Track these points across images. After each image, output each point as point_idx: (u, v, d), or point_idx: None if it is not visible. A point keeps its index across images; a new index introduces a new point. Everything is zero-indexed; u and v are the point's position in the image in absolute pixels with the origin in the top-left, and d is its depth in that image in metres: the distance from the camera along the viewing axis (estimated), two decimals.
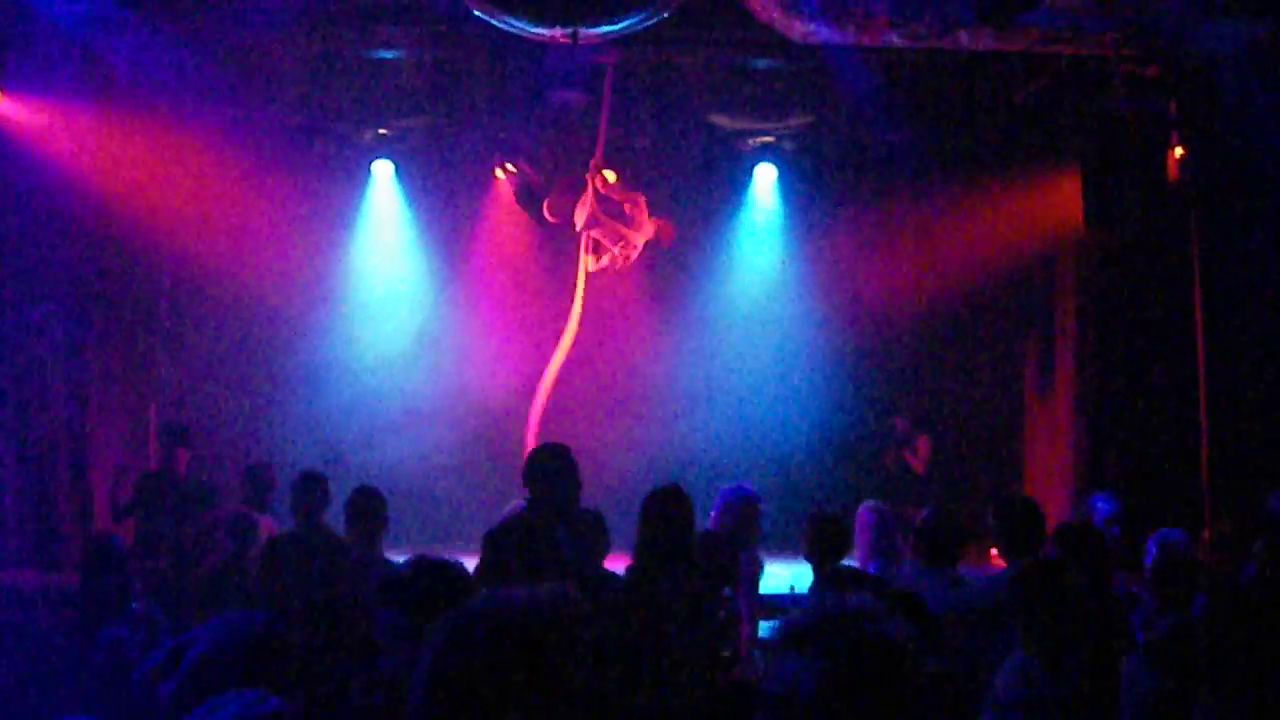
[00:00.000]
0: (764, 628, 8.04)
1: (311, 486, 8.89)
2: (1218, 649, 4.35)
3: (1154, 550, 7.43)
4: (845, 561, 8.43)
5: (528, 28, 9.08)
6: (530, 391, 14.87)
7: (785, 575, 9.24)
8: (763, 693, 2.64)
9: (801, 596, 7.87)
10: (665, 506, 6.63)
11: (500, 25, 9.28)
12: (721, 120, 15.54)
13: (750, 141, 16.43)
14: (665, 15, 9.23)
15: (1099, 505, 10.06)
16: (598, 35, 9.00)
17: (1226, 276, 13.08)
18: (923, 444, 15.84)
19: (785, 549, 9.55)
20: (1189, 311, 13.33)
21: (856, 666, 2.55)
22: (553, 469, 6.99)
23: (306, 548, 8.39)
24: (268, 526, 9.41)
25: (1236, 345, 13.03)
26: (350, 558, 8.14)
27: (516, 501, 7.99)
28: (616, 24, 8.93)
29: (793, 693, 2.57)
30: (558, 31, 8.80)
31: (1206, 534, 11.33)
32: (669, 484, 6.82)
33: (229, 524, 8.99)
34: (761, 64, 14.34)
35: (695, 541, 6.81)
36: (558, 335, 14.83)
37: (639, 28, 9.29)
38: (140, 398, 15.01)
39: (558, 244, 16.22)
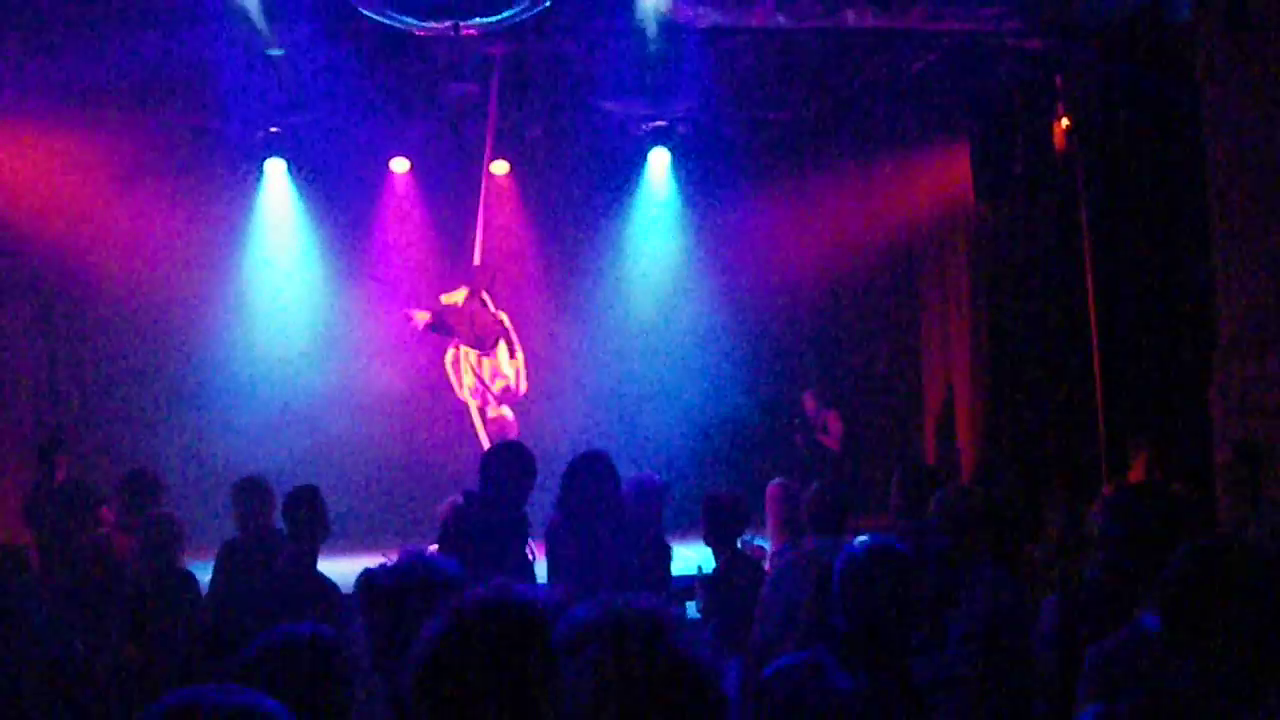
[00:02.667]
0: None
1: (250, 491, 8.76)
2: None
3: None
4: (756, 539, 8.53)
5: (411, 23, 9.07)
6: (429, 385, 14.88)
7: (693, 557, 9.32)
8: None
9: (707, 577, 7.92)
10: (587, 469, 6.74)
11: (385, 21, 9.27)
12: (613, 107, 15.56)
13: (642, 127, 16.46)
14: (546, 5, 9.24)
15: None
16: (478, 28, 9.00)
17: (1115, 243, 13.26)
18: (833, 421, 15.97)
19: (693, 532, 9.61)
20: (1079, 278, 13.50)
21: (642, 670, 2.52)
22: (512, 468, 7.03)
23: (256, 554, 8.28)
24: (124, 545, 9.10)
25: (1127, 310, 13.22)
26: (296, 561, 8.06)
27: (451, 498, 8.02)
28: (496, 16, 8.93)
29: (572, 696, 2.54)
30: (440, 25, 8.80)
31: (1107, 489, 11.54)
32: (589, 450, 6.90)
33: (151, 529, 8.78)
34: (651, 48, 14.35)
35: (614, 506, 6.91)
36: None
37: (520, 19, 9.30)
38: (34, 399, 14.84)
39: (454, 236, 16.21)
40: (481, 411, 13.87)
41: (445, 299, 13.96)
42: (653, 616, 2.59)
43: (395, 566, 4.20)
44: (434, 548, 7.68)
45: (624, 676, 2.49)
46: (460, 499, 7.44)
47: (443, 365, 14.40)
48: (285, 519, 7.89)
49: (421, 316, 13.81)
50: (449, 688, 2.58)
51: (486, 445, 12.68)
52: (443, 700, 2.58)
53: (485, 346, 13.85)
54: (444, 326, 13.77)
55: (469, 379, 13.94)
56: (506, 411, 13.60)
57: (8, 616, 6.48)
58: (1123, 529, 4.75)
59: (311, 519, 7.78)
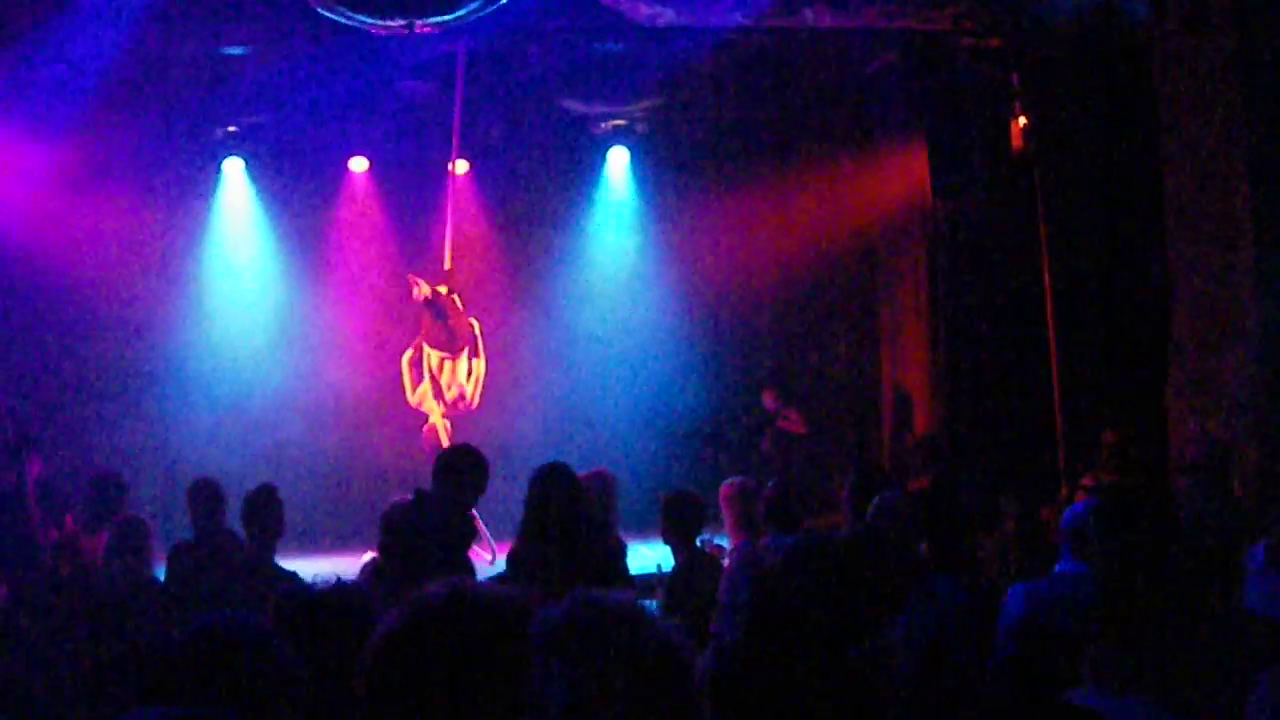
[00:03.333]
0: None
1: (202, 493, 8.72)
2: None
3: None
4: (716, 538, 8.57)
5: (367, 21, 9.06)
6: (386, 386, 14.87)
7: (653, 555, 9.36)
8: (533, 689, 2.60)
9: (667, 575, 7.95)
10: (544, 485, 6.70)
11: (341, 20, 9.26)
12: (573, 105, 15.58)
13: (602, 125, 16.48)
14: (501, 3, 9.24)
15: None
16: (433, 26, 9.00)
17: (1071, 240, 13.32)
18: (794, 414, 16.07)
19: (651, 531, 9.64)
20: (1037, 276, 13.56)
21: (619, 663, 2.55)
22: (465, 469, 7.01)
23: (208, 555, 8.24)
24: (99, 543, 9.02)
25: (1084, 307, 13.30)
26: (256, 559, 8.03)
27: (395, 500, 8.01)
28: (451, 15, 8.93)
29: (549, 697, 2.56)
30: (394, 24, 8.79)
31: (1064, 492, 11.61)
32: (550, 462, 6.85)
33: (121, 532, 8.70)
34: (610, 48, 14.36)
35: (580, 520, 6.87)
36: (412, 322, 14.78)
37: (475, 17, 9.29)
38: None
39: (413, 236, 16.22)
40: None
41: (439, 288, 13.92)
42: (629, 608, 2.63)
43: (311, 592, 4.19)
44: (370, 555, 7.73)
45: (606, 668, 2.53)
46: (403, 500, 7.43)
47: (396, 363, 14.39)
48: (243, 518, 7.87)
49: (424, 289, 13.73)
50: (402, 686, 2.54)
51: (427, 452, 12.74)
52: (394, 699, 2.55)
53: (454, 350, 13.80)
54: (437, 308, 13.73)
55: (425, 384, 13.89)
56: (442, 423, 13.61)
57: None
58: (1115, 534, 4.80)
59: (268, 517, 7.77)
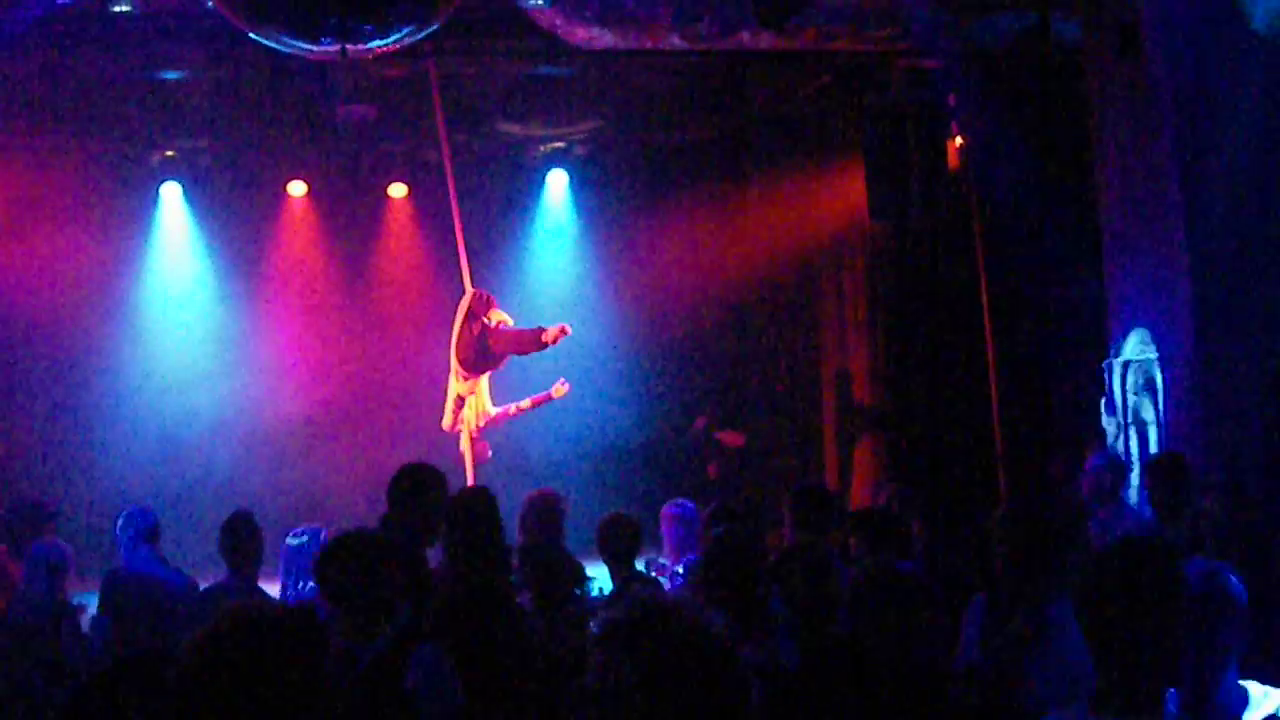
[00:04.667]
0: None
1: (132, 523, 8.66)
2: None
3: None
4: (660, 559, 8.58)
5: (301, 47, 9.04)
6: (327, 411, 14.79)
7: (594, 578, 9.34)
8: (583, 688, 2.71)
9: (605, 598, 7.94)
10: (470, 507, 6.69)
11: (274, 45, 9.24)
12: (511, 128, 15.59)
13: (541, 148, 16.50)
14: (434, 28, 9.24)
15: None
16: (368, 50, 8.99)
17: (1008, 259, 13.42)
18: (726, 432, 16.15)
19: (590, 552, 9.63)
20: (974, 294, 13.65)
21: (674, 658, 2.64)
22: (421, 491, 6.97)
23: (139, 585, 8.20)
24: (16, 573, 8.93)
25: (1021, 325, 13.40)
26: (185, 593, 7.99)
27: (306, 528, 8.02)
28: (385, 39, 8.92)
29: (614, 686, 2.64)
30: (327, 49, 8.78)
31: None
32: (475, 487, 6.86)
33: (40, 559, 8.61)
34: (547, 71, 14.38)
35: (502, 541, 6.87)
36: (351, 348, 14.70)
37: (410, 41, 9.28)
38: None
39: (352, 259, 16.18)
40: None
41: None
42: (679, 603, 2.76)
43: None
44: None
45: (657, 661, 2.63)
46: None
47: (336, 394, 14.30)
48: (224, 546, 7.84)
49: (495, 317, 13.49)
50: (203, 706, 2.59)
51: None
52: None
53: (475, 371, 13.57)
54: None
55: (448, 416, 13.67)
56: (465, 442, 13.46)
57: None
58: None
59: (250, 545, 7.77)
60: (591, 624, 2.79)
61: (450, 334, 13.32)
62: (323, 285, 16.76)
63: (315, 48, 8.98)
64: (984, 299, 13.57)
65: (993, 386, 13.49)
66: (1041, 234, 13.14)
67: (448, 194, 15.61)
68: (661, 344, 17.33)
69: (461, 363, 13.23)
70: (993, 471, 13.35)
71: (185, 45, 13.14)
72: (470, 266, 14.55)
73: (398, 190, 16.37)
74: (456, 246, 13.62)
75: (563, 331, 12.94)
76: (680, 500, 8.73)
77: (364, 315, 15.57)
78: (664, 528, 8.43)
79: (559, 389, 13.25)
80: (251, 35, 9.22)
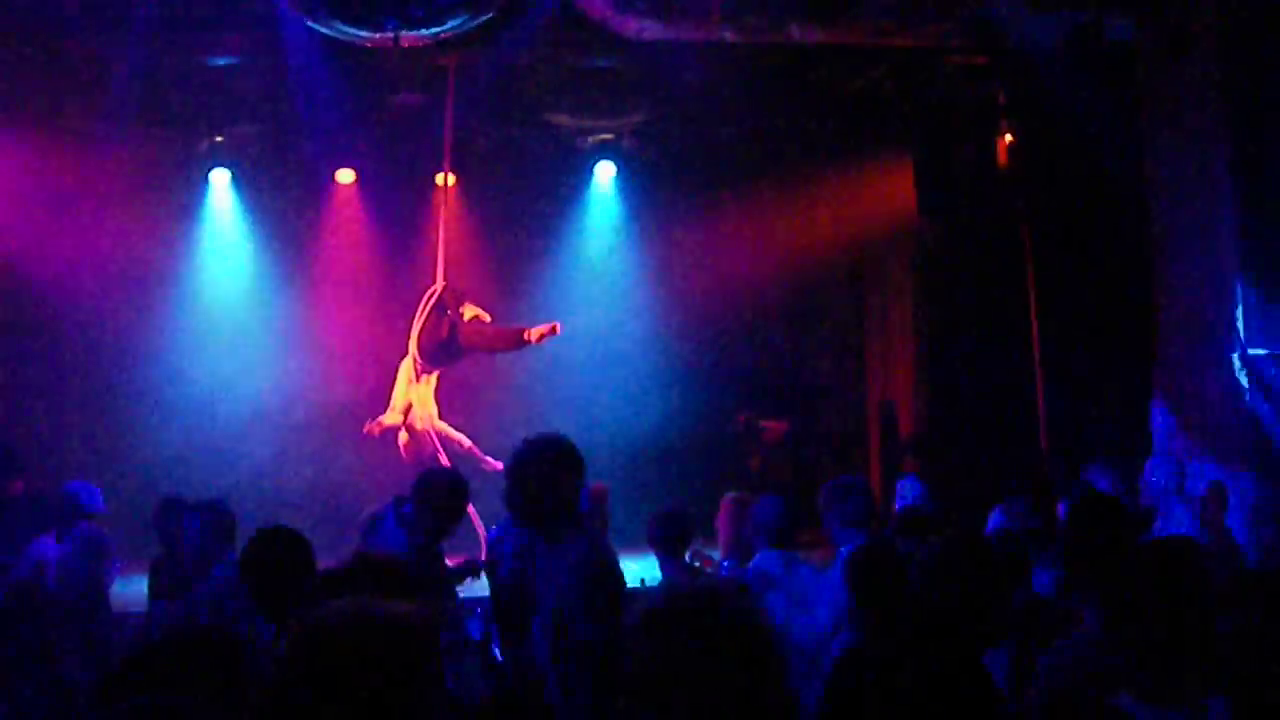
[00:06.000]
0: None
1: (170, 512, 8.69)
2: None
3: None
4: (708, 550, 8.57)
5: (355, 34, 9.08)
6: (374, 397, 14.80)
7: (635, 569, 9.37)
8: (624, 675, 2.73)
9: (652, 589, 7.95)
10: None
11: (329, 32, 9.27)
12: (560, 119, 15.57)
13: (589, 140, 16.47)
14: (488, 16, 9.26)
15: (905, 489, 10.17)
16: (421, 39, 9.00)
17: (1056, 257, 13.37)
18: (769, 423, 16.13)
19: (635, 545, 9.65)
20: (1022, 292, 13.60)
21: (714, 643, 2.67)
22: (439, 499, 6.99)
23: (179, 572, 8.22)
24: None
25: (1068, 324, 13.34)
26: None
27: (371, 509, 8.00)
28: (439, 27, 8.94)
29: (656, 671, 2.67)
30: (382, 36, 8.81)
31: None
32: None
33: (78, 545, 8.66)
34: (597, 62, 14.36)
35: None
36: (397, 335, 14.71)
37: (463, 30, 9.31)
38: None
39: (399, 248, 16.20)
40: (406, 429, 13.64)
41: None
42: (717, 589, 2.82)
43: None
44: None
45: (702, 646, 2.67)
46: (378, 510, 7.45)
47: (382, 381, 14.31)
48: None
49: (469, 312, 13.50)
50: (304, 705, 2.56)
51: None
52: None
53: (433, 363, 13.60)
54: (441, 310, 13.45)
55: (399, 396, 13.70)
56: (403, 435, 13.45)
57: None
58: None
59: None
60: (629, 612, 2.82)
61: (411, 325, 13.37)
62: (369, 272, 16.79)
63: (369, 35, 9.01)
64: (1032, 296, 13.52)
65: (1039, 387, 13.44)
66: (1090, 234, 13.08)
67: (496, 183, 15.69)
68: (706, 336, 17.30)
69: (422, 354, 13.28)
70: (1039, 467, 13.28)
71: (237, 32, 13.19)
72: (511, 256, 14.66)
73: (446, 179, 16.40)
74: (439, 238, 13.63)
75: (552, 330, 12.95)
76: (738, 494, 8.73)
77: (410, 302, 15.51)
78: (721, 520, 8.43)
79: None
80: (308, 23, 9.26)
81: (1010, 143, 13.92)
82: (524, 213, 16.72)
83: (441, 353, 13.28)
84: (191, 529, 7.40)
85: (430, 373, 13.46)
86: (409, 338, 13.49)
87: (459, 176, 15.84)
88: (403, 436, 13.38)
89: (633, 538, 9.16)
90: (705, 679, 2.65)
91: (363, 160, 16.39)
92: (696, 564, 8.25)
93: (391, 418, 13.52)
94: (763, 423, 16.27)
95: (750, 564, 7.23)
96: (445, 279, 13.47)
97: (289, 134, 15.42)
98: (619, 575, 5.22)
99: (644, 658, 2.71)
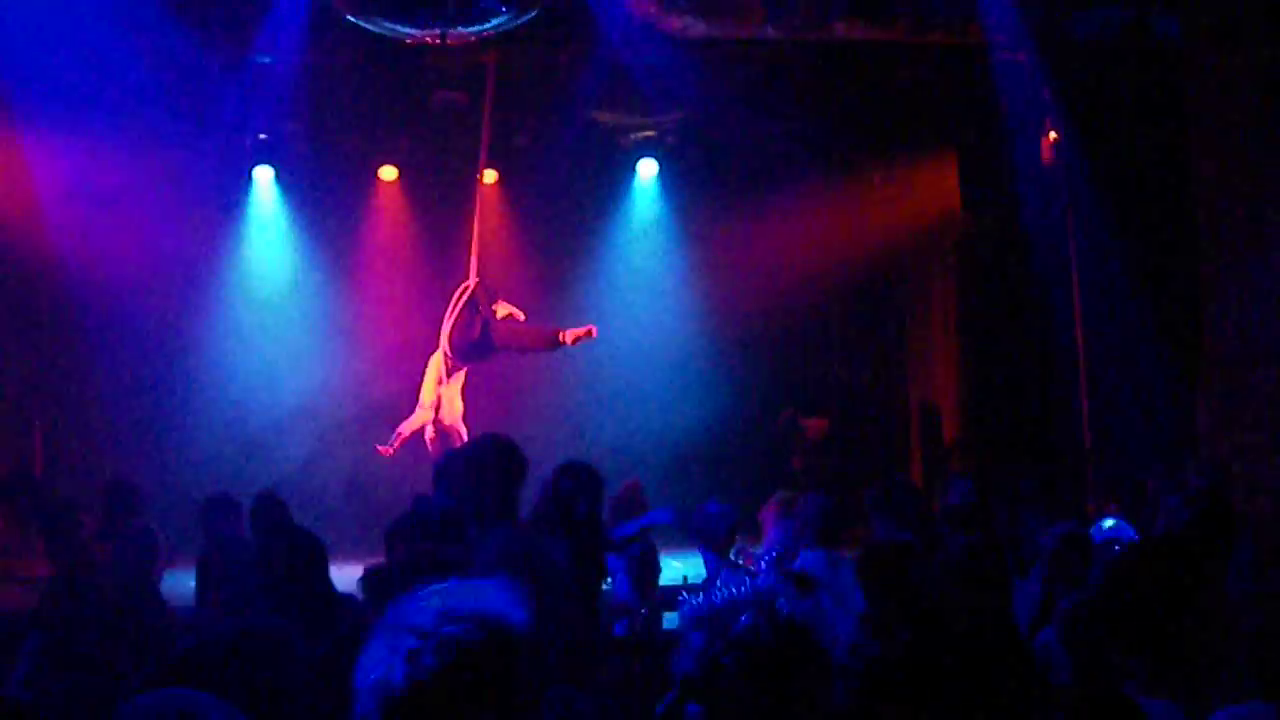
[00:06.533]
0: (668, 619, 8.15)
1: (217, 508, 8.74)
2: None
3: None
4: (749, 548, 8.56)
5: (400, 30, 9.09)
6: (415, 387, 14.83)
7: (679, 566, 9.38)
8: (675, 674, 2.78)
9: (695, 586, 7.93)
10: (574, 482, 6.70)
11: (373, 29, 9.28)
12: (602, 116, 15.56)
13: (631, 137, 16.45)
14: (533, 14, 9.26)
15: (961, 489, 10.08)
16: (468, 35, 9.01)
17: (1102, 255, 13.30)
18: (811, 421, 16.09)
19: (679, 542, 9.65)
20: (1066, 292, 13.54)
21: (763, 643, 2.70)
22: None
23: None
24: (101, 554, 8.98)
25: (1113, 324, 13.26)
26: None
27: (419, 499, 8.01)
28: (484, 24, 8.95)
29: (706, 672, 2.71)
30: (428, 33, 8.81)
31: (1090, 509, 11.56)
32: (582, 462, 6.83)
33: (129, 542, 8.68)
34: (641, 59, 14.32)
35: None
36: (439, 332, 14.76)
37: (508, 27, 9.31)
38: (24, 412, 14.83)
39: (442, 245, 16.22)
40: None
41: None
42: (766, 591, 2.83)
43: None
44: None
45: (756, 648, 2.72)
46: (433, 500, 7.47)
47: (423, 372, 14.31)
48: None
49: (502, 310, 13.49)
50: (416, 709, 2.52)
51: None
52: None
53: (463, 359, 13.58)
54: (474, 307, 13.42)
55: (428, 393, 13.66)
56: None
57: None
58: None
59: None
60: (681, 611, 2.90)
61: (443, 321, 13.35)
62: (411, 269, 16.82)
63: (414, 32, 9.02)
64: (1076, 294, 13.45)
65: (1083, 386, 13.37)
66: (1136, 232, 13.01)
67: (537, 180, 15.69)
68: (747, 335, 17.25)
69: (454, 350, 13.25)
70: (1082, 470, 13.22)
71: (281, 29, 13.23)
72: (553, 253, 14.64)
73: (488, 176, 16.40)
74: (472, 235, 13.63)
75: (587, 333, 12.93)
76: (786, 493, 8.73)
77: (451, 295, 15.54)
78: (766, 518, 8.42)
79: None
80: (350, 19, 9.27)
81: (1055, 139, 13.84)
82: (565, 210, 16.71)
83: (473, 350, 13.28)
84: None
85: (460, 369, 13.45)
86: (439, 333, 13.48)
87: (500, 174, 15.87)
88: (430, 432, 13.36)
89: (676, 535, 9.17)
90: (749, 683, 2.70)
91: (405, 157, 16.42)
92: (740, 561, 8.24)
93: (421, 416, 13.50)
94: (803, 421, 16.22)
95: (794, 563, 7.22)
96: (479, 275, 13.45)
97: (332, 131, 15.46)
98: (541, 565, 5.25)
99: (699, 657, 2.75)
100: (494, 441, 6.04)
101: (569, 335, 12.92)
